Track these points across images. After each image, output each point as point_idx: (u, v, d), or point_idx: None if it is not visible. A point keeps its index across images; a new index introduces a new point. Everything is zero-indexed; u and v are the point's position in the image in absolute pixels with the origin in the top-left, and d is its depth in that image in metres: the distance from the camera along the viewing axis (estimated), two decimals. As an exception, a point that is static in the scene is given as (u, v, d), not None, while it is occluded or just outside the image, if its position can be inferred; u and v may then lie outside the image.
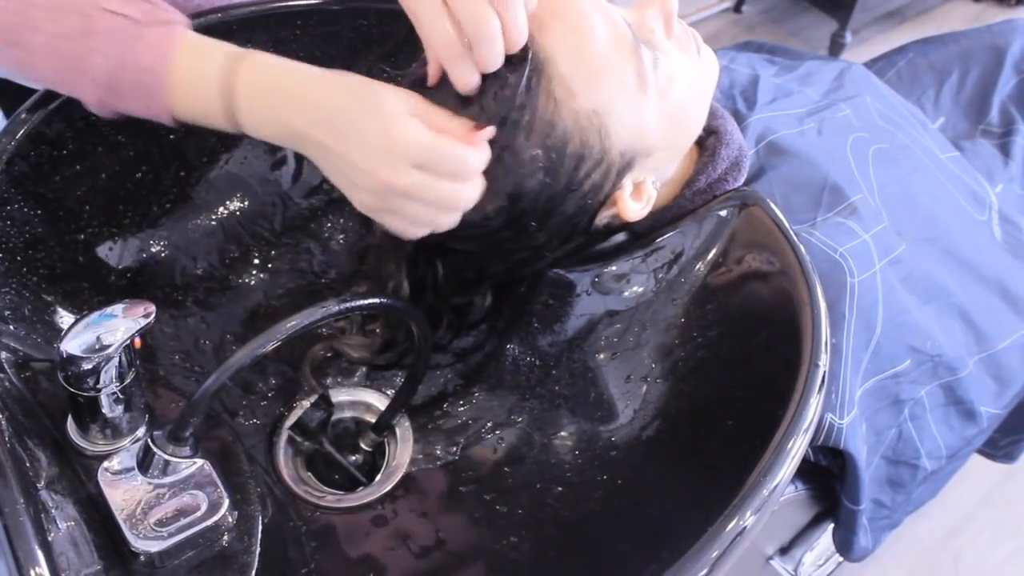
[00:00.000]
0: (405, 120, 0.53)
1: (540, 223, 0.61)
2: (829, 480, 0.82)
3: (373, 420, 0.71)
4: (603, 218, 0.65)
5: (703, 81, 0.65)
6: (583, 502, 0.61)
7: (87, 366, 0.52)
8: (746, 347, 0.61)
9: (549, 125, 0.57)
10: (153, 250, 0.71)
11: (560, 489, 0.63)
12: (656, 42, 0.61)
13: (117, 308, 0.53)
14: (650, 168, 0.64)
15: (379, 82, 0.55)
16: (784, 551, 1.02)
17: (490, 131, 0.56)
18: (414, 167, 0.53)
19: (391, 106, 0.54)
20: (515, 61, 0.56)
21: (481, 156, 0.56)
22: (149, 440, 0.54)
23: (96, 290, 0.67)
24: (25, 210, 0.63)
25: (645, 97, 0.60)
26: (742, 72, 0.88)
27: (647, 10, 0.61)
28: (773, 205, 0.65)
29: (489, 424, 0.69)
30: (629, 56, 0.59)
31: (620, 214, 0.64)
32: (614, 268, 0.69)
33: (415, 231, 0.58)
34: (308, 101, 0.55)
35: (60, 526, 0.48)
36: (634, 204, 0.64)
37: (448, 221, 0.57)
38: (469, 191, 0.56)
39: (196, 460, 0.55)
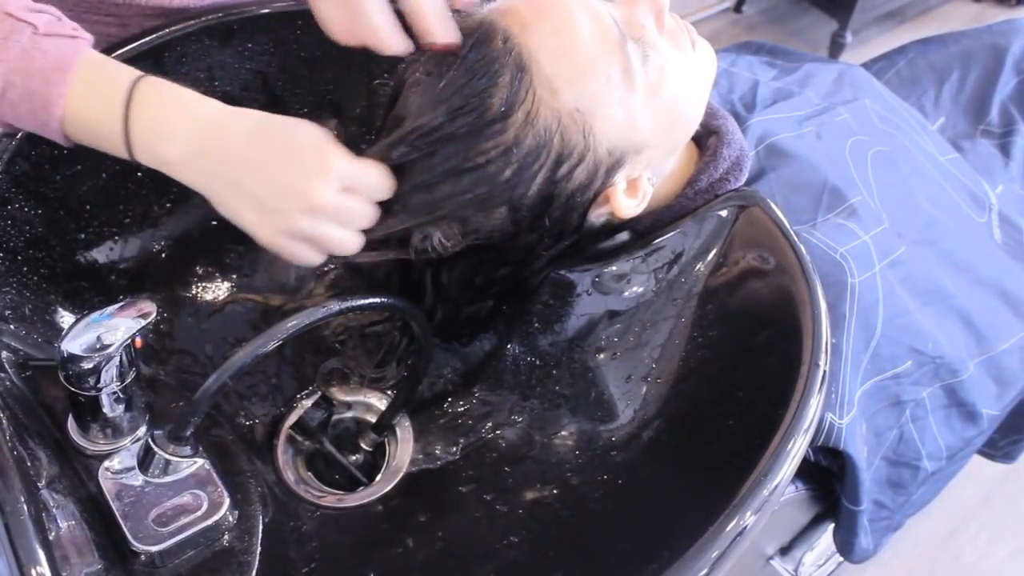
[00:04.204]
0: (332, 145, 0.56)
1: (528, 215, 0.61)
2: (829, 480, 0.82)
3: (373, 420, 0.71)
4: (599, 216, 0.65)
5: (698, 75, 0.65)
6: (583, 502, 0.61)
7: (88, 365, 0.52)
8: (746, 347, 0.61)
9: (528, 123, 0.57)
10: (153, 250, 0.71)
11: (560, 489, 0.63)
12: (647, 37, 0.61)
13: (118, 307, 0.53)
14: (644, 164, 0.64)
15: (280, 116, 0.57)
16: (784, 551, 1.02)
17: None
18: (342, 190, 0.56)
19: (314, 134, 0.56)
20: (502, 61, 0.56)
21: (391, 179, 0.59)
22: (150, 439, 0.54)
23: (96, 290, 0.67)
24: (26, 209, 0.64)
25: (632, 94, 0.60)
26: (742, 76, 0.88)
27: (637, 6, 0.61)
28: (773, 205, 0.65)
29: (489, 424, 0.69)
30: (615, 53, 0.59)
31: (614, 211, 0.64)
32: (614, 268, 0.69)
33: (318, 256, 0.59)
34: (220, 138, 0.55)
35: (61, 525, 0.48)
36: (628, 201, 0.64)
37: (357, 243, 0.59)
38: (376, 211, 0.59)
39: (196, 459, 0.55)
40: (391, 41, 0.58)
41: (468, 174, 0.58)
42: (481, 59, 0.57)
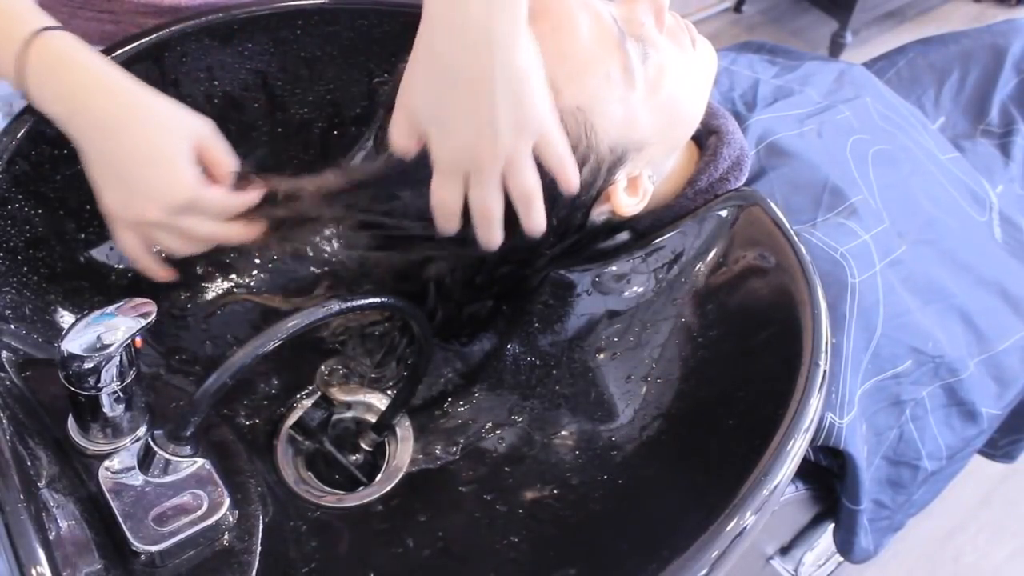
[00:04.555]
0: (184, 169, 0.58)
1: None
2: (829, 480, 0.82)
3: (373, 420, 0.71)
4: (600, 214, 0.65)
5: (699, 74, 0.65)
6: (583, 502, 0.61)
7: (88, 365, 0.52)
8: (746, 347, 0.61)
9: None
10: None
11: (560, 489, 0.63)
12: (646, 35, 0.61)
13: (118, 307, 0.53)
14: (644, 162, 0.64)
15: (167, 102, 0.59)
16: (784, 551, 1.02)
17: (254, 193, 0.61)
18: (176, 211, 0.58)
19: (172, 148, 0.58)
20: None
21: (244, 201, 0.61)
22: (150, 439, 0.54)
23: (97, 289, 0.67)
24: (26, 209, 0.64)
25: (632, 91, 0.60)
26: (742, 74, 0.88)
27: (637, 4, 0.61)
28: (773, 205, 0.65)
29: (489, 424, 0.69)
30: (614, 51, 0.59)
31: (615, 209, 0.64)
32: (614, 268, 0.69)
33: (141, 252, 0.62)
34: (95, 110, 0.57)
35: (61, 525, 0.48)
36: (629, 199, 0.64)
37: (188, 250, 0.62)
38: (228, 231, 0.61)
39: (197, 459, 0.55)
40: (496, 237, 0.59)
41: None
42: None
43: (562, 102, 0.58)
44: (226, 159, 0.61)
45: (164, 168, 0.58)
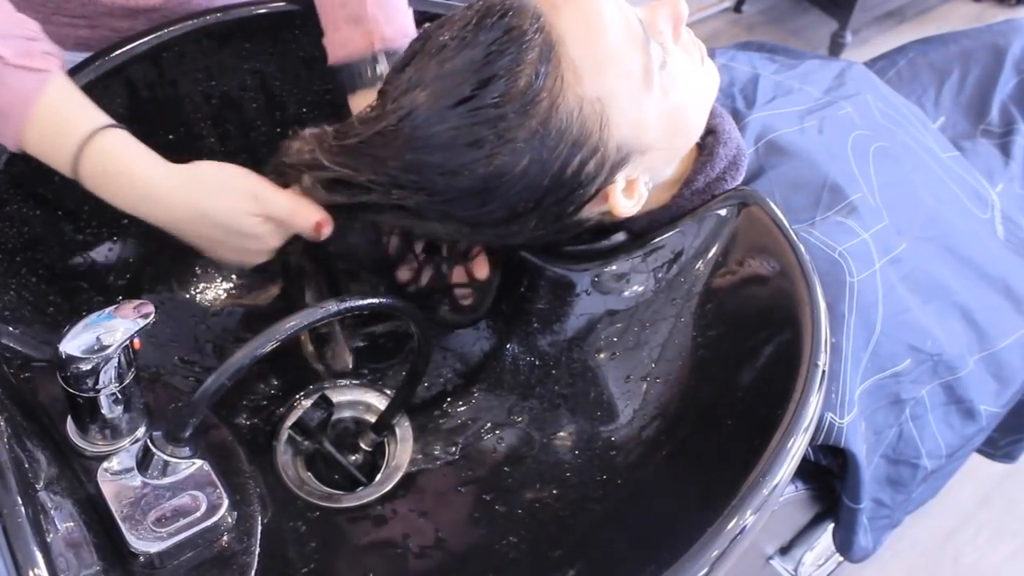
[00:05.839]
0: (261, 233, 0.62)
1: (529, 203, 0.61)
2: (829, 480, 0.81)
3: (373, 420, 0.71)
4: (594, 213, 0.65)
5: (704, 89, 0.66)
6: (583, 502, 0.61)
7: (86, 367, 0.52)
8: (746, 346, 0.61)
9: (553, 107, 0.57)
10: (152, 250, 0.71)
11: (560, 489, 0.63)
12: (663, 43, 0.61)
13: (116, 308, 0.53)
14: (645, 167, 0.64)
15: (212, 201, 0.60)
16: (784, 551, 1.02)
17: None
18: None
19: (240, 221, 0.61)
20: (531, 38, 0.56)
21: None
22: (148, 440, 0.54)
23: (96, 290, 0.67)
24: (25, 210, 0.64)
25: (648, 93, 0.60)
26: (742, 70, 0.88)
27: (658, 11, 0.62)
28: (773, 204, 0.65)
29: (489, 424, 0.69)
30: (638, 49, 0.60)
31: (611, 209, 0.64)
32: (614, 268, 0.69)
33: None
34: (156, 211, 0.60)
35: (59, 527, 0.48)
36: (625, 201, 0.64)
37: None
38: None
39: (195, 460, 0.55)
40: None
41: (495, 156, 0.58)
42: (511, 31, 0.57)
43: (584, 90, 0.58)
44: (283, 202, 0.63)
45: (245, 240, 0.62)
